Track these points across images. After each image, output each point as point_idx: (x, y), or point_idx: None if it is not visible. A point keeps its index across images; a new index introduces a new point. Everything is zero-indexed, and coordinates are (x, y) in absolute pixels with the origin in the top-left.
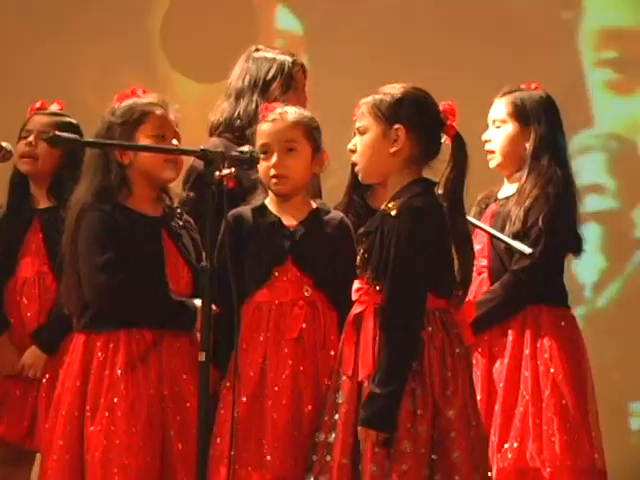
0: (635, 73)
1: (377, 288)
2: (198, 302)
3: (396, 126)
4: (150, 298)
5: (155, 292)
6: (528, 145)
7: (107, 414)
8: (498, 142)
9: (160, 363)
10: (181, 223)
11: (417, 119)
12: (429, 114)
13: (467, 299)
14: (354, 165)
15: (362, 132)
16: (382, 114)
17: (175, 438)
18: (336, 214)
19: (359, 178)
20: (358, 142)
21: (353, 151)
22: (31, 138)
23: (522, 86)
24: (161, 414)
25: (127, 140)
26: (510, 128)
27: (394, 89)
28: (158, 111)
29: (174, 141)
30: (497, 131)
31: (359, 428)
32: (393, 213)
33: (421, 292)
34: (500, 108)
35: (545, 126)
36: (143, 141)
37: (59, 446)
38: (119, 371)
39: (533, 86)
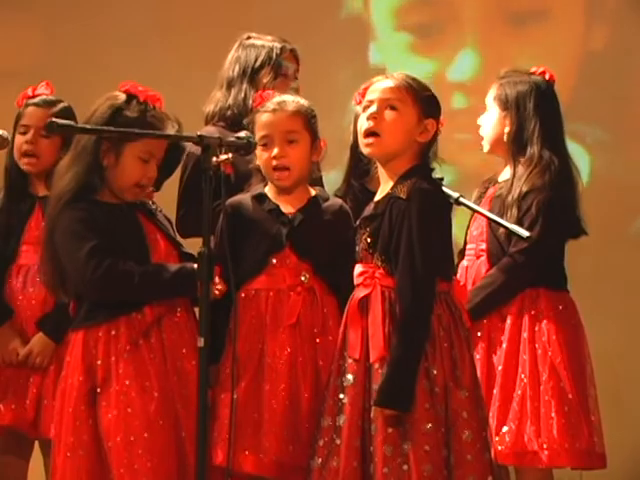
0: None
1: (384, 270)
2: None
3: (430, 120)
4: (143, 272)
5: (146, 267)
6: (506, 131)
7: (122, 398)
8: (484, 126)
9: (161, 339)
10: (155, 207)
11: (439, 119)
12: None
13: (456, 279)
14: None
15: (393, 106)
16: (421, 102)
17: (182, 412)
18: (335, 201)
19: (368, 150)
20: (390, 114)
21: (375, 118)
22: (29, 136)
23: (533, 68)
24: (171, 389)
25: (113, 149)
26: (493, 113)
27: (423, 82)
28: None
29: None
30: (485, 115)
31: (374, 408)
32: (402, 196)
33: (434, 274)
34: (491, 92)
35: (528, 113)
36: (127, 157)
37: (70, 442)
38: (125, 355)
39: (540, 70)
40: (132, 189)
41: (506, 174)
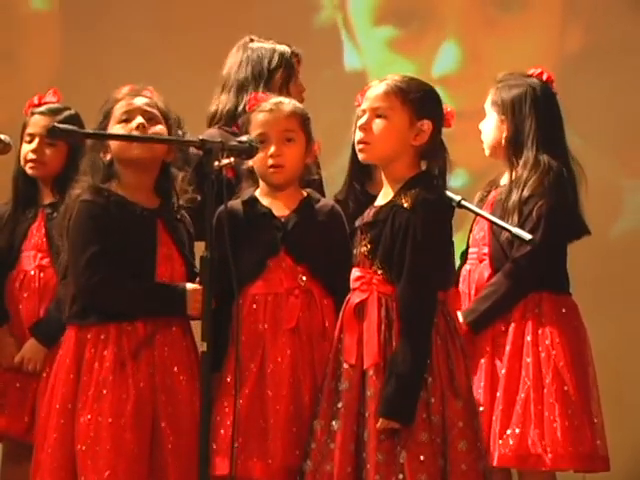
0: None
1: (382, 277)
2: (189, 285)
3: (425, 120)
4: (134, 290)
5: (138, 283)
6: (503, 136)
7: (95, 406)
8: (483, 132)
9: (152, 355)
10: (178, 217)
11: (439, 116)
12: (443, 113)
13: (453, 288)
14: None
15: (381, 114)
16: (412, 103)
17: (166, 431)
18: (327, 202)
19: (361, 156)
20: (377, 124)
21: (365, 129)
22: (35, 144)
23: (531, 71)
24: (152, 406)
25: (98, 140)
26: (491, 118)
27: (417, 81)
28: (122, 98)
29: (139, 118)
30: (484, 121)
31: (381, 420)
32: (406, 206)
33: (436, 284)
34: (489, 97)
35: (523, 116)
36: (111, 128)
37: (53, 439)
38: (107, 363)
39: (537, 71)
40: (130, 146)
41: (507, 178)
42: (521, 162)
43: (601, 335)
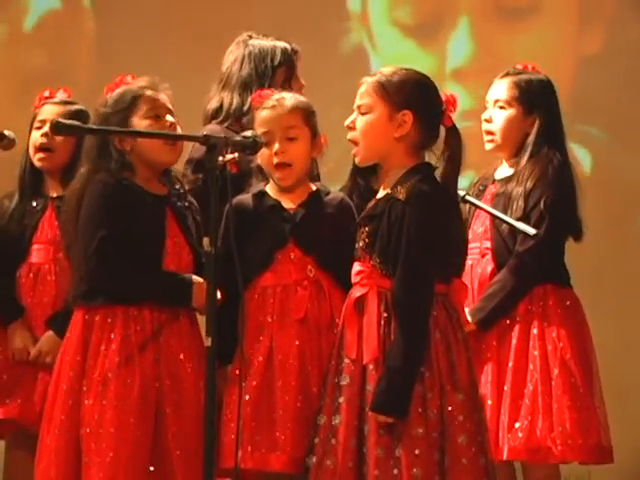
0: None
1: (382, 272)
2: (196, 278)
3: (404, 111)
4: (141, 276)
5: (146, 271)
6: (533, 130)
7: (100, 389)
8: (499, 124)
9: (157, 342)
10: (186, 204)
11: (424, 106)
12: (435, 102)
13: (457, 280)
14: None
15: (364, 111)
16: (390, 97)
17: (170, 417)
18: (337, 194)
19: (356, 160)
20: (359, 121)
21: (351, 128)
22: (46, 128)
23: (518, 66)
24: (156, 392)
25: (123, 127)
26: (513, 111)
27: (401, 72)
28: (148, 92)
29: (169, 117)
30: (499, 112)
31: (371, 414)
32: (401, 198)
33: (432, 276)
34: (502, 89)
35: (547, 112)
36: (139, 125)
37: (60, 420)
38: (114, 346)
39: (530, 67)
40: (163, 151)
41: (504, 171)
42: (534, 157)
43: (599, 328)
